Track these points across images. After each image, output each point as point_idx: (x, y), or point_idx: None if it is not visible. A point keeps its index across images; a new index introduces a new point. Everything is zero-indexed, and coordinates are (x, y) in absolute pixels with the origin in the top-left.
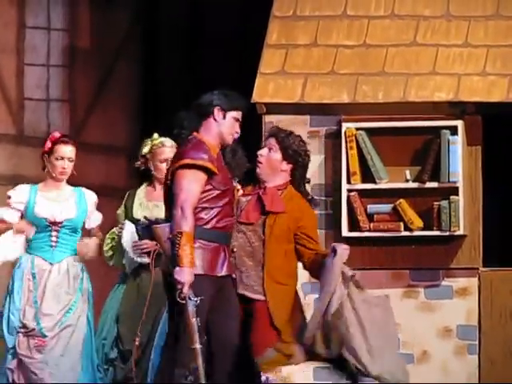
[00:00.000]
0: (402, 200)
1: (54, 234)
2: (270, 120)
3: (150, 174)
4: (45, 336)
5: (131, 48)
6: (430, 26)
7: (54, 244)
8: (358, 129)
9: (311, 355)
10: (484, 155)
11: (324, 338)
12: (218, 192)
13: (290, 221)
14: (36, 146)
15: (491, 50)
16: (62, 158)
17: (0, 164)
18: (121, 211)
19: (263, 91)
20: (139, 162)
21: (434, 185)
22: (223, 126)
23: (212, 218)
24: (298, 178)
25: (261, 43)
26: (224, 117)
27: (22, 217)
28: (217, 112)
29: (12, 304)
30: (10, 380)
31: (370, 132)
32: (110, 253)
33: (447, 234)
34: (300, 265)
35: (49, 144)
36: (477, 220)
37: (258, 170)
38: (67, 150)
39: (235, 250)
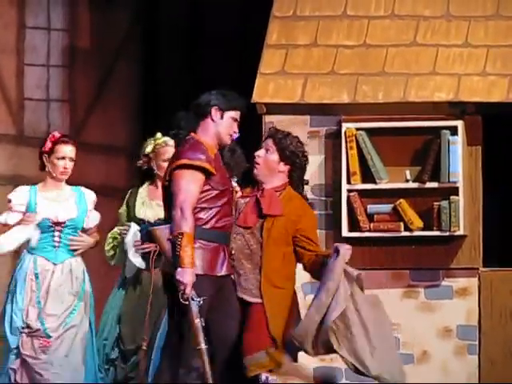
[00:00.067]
0: (402, 200)
1: (56, 234)
2: (270, 120)
3: (152, 173)
4: (49, 336)
5: (131, 48)
6: (430, 26)
7: (56, 244)
8: (358, 129)
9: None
10: (484, 155)
11: (316, 337)
12: (216, 192)
13: (289, 224)
14: (36, 147)
15: (491, 50)
16: (63, 158)
17: (0, 164)
18: (123, 210)
19: (263, 91)
20: (141, 162)
21: (434, 185)
22: (221, 126)
23: (211, 218)
24: (295, 180)
25: (261, 43)
26: (222, 117)
27: None
28: (214, 112)
29: (15, 304)
30: (13, 380)
31: (370, 132)
32: (112, 252)
33: (447, 234)
34: (300, 266)
35: (49, 144)
36: (477, 220)
37: (255, 171)
38: (68, 150)
39: (233, 252)
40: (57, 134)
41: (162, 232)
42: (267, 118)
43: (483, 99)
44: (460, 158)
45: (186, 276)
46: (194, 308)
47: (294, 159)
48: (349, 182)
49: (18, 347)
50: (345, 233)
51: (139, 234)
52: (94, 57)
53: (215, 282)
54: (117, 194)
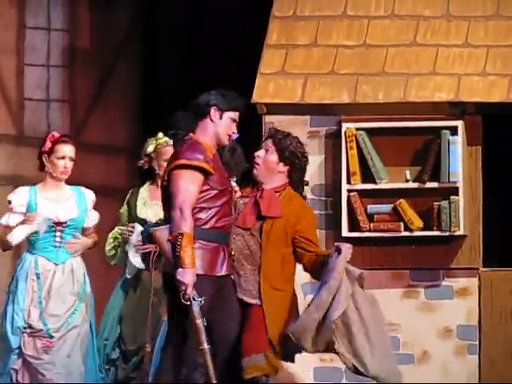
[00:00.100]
0: (402, 200)
1: (58, 234)
2: (271, 120)
3: (153, 173)
4: (52, 337)
5: (131, 48)
6: (430, 26)
7: (57, 244)
8: (358, 129)
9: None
10: (484, 155)
11: (317, 334)
12: (215, 192)
13: (288, 225)
14: (36, 147)
15: (491, 50)
16: (63, 158)
17: (0, 164)
18: (124, 210)
19: (263, 91)
20: (142, 161)
21: (434, 185)
22: (219, 126)
23: (211, 218)
24: (295, 180)
25: (261, 43)
26: (220, 117)
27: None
28: (213, 112)
29: (16, 304)
30: (15, 380)
31: (370, 132)
32: (113, 252)
33: (447, 234)
34: (299, 266)
35: (49, 144)
36: (477, 220)
37: (254, 171)
38: (68, 150)
39: (233, 253)
40: (56, 134)
41: (162, 233)
42: (267, 118)
43: (483, 99)
44: (460, 158)
45: (187, 276)
46: (196, 308)
47: (294, 160)
48: (349, 182)
49: (19, 347)
50: (345, 233)
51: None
52: (94, 57)
53: (215, 282)
54: (117, 194)
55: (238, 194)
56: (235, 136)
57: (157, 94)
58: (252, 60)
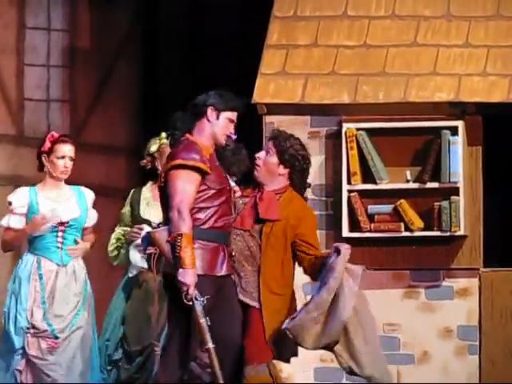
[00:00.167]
0: (402, 200)
1: (60, 234)
2: (271, 120)
3: (156, 172)
4: (57, 338)
5: (131, 48)
6: (431, 26)
7: (60, 245)
8: (358, 129)
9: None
10: (484, 155)
11: (320, 332)
12: (213, 191)
13: (288, 228)
14: (36, 147)
15: (492, 51)
16: (63, 157)
17: (0, 164)
18: (126, 211)
19: (264, 92)
20: (145, 161)
21: (435, 185)
22: (216, 126)
23: (209, 218)
24: (297, 183)
25: (261, 43)
26: (217, 117)
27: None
28: (210, 112)
29: (19, 304)
30: (19, 381)
31: (370, 132)
32: (116, 253)
33: (448, 234)
34: (300, 269)
35: (48, 144)
36: (477, 220)
37: (255, 172)
38: (67, 149)
39: (234, 253)
40: (55, 134)
41: (161, 234)
42: (268, 119)
43: (484, 99)
44: (460, 158)
45: (188, 277)
46: (198, 308)
47: (294, 162)
48: (349, 183)
49: (22, 347)
50: (345, 233)
51: None
52: (94, 57)
53: (215, 282)
54: (117, 194)
55: (238, 193)
56: (234, 137)
57: (157, 94)
58: (252, 60)
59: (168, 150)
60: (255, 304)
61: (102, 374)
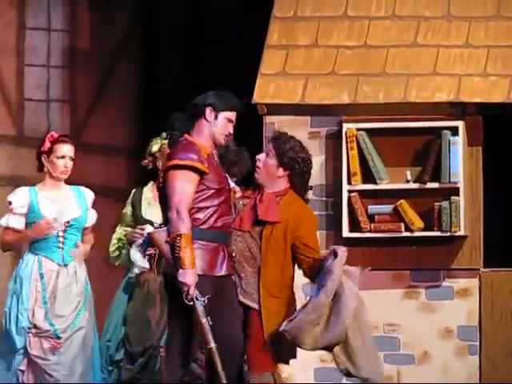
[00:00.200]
0: (402, 201)
1: (61, 234)
2: (271, 121)
3: (157, 173)
4: (59, 338)
5: (131, 48)
6: (431, 26)
7: (61, 245)
8: (358, 129)
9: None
10: (485, 156)
11: (322, 332)
12: (212, 191)
13: (287, 231)
14: (36, 147)
15: (492, 51)
16: (63, 157)
17: (0, 165)
18: (128, 211)
19: (264, 92)
20: (146, 161)
21: (435, 185)
22: (215, 126)
23: (209, 218)
24: (297, 185)
25: (261, 43)
26: (216, 117)
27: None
28: (208, 112)
29: (20, 304)
30: (21, 381)
31: (370, 132)
32: (117, 253)
33: (448, 234)
34: (300, 271)
35: (48, 144)
36: (477, 220)
37: (256, 174)
38: (67, 149)
39: (234, 254)
40: (55, 134)
41: (160, 235)
42: (268, 119)
43: (484, 100)
44: (461, 159)
45: (188, 277)
46: (199, 307)
47: (293, 165)
48: (349, 183)
49: (24, 347)
50: (345, 233)
51: None
52: (94, 57)
53: (215, 282)
54: (117, 195)
55: (238, 194)
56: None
57: (157, 94)
58: (252, 60)
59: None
60: (255, 306)
61: (102, 373)
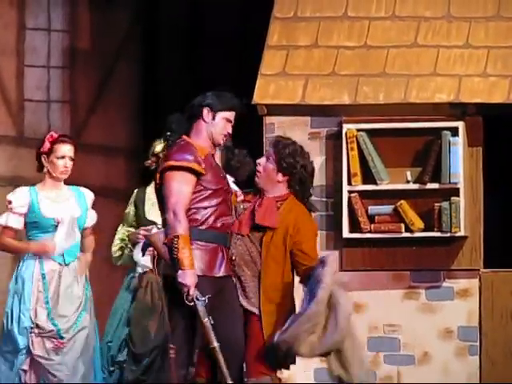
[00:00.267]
0: (402, 201)
1: None
2: (271, 121)
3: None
4: (62, 338)
5: (131, 48)
6: (431, 27)
7: None
8: (358, 130)
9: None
10: (485, 156)
11: (319, 338)
12: (209, 192)
13: (287, 238)
14: (36, 148)
15: (492, 51)
16: (63, 157)
17: (0, 165)
18: (130, 210)
19: (264, 92)
20: (149, 161)
21: (435, 186)
22: (213, 126)
23: (207, 219)
24: (297, 191)
25: (261, 44)
26: (213, 117)
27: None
28: (206, 113)
29: (22, 304)
30: (23, 381)
31: (370, 133)
32: (119, 253)
33: (448, 235)
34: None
35: (47, 144)
36: (478, 221)
37: (256, 178)
38: (67, 149)
39: (234, 257)
40: (54, 134)
41: (158, 237)
42: (268, 120)
43: (484, 100)
44: (461, 159)
45: (188, 278)
46: (200, 308)
47: (292, 170)
48: (350, 183)
49: (26, 347)
50: (345, 234)
51: None
52: (94, 57)
53: (214, 283)
54: (117, 195)
55: (240, 198)
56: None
57: (157, 94)
58: (252, 60)
59: None
60: (255, 310)
61: (102, 373)
